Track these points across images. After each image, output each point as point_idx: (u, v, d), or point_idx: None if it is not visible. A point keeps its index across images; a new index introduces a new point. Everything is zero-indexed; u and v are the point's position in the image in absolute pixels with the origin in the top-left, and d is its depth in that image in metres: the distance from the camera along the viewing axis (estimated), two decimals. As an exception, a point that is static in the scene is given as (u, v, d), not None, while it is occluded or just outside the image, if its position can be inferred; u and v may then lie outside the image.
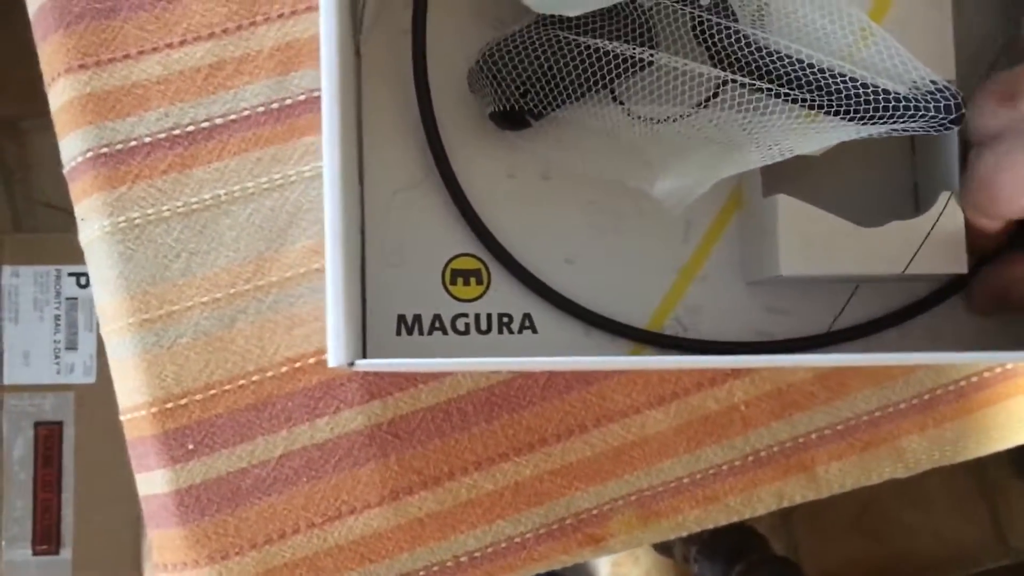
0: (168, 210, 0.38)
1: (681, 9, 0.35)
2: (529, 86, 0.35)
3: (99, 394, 0.95)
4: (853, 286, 0.38)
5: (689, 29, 0.35)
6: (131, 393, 0.38)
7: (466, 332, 0.37)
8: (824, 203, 0.36)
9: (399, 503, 0.38)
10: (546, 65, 0.35)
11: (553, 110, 0.36)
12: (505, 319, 0.38)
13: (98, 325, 0.95)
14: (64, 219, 1.18)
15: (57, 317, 0.95)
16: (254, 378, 0.38)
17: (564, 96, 0.36)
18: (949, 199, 0.36)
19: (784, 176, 0.37)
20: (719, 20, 0.34)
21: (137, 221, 0.38)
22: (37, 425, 0.94)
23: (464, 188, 0.37)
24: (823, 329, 0.38)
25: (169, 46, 0.39)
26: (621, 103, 0.36)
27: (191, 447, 0.38)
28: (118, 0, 0.39)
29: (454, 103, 0.38)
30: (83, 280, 0.95)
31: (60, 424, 0.94)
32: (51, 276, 0.94)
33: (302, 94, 0.39)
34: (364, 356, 0.36)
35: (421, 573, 0.39)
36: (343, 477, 0.38)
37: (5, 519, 0.94)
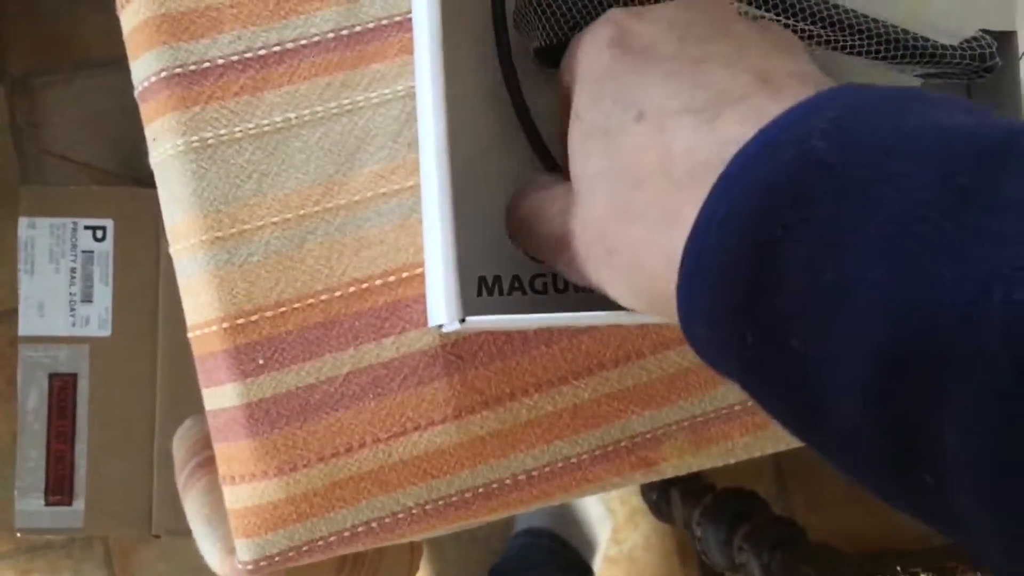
0: (240, 131, 0.39)
1: None
2: (580, 19, 0.36)
3: (114, 347, 0.95)
4: None
5: None
6: (201, 309, 0.39)
7: (544, 292, 0.38)
8: None
9: (462, 421, 0.39)
10: (600, 2, 0.36)
11: None
12: None
13: (114, 278, 0.95)
14: (76, 173, 1.18)
15: (73, 270, 0.95)
16: (323, 297, 0.39)
17: None
18: None
19: None
20: None
21: (210, 141, 0.39)
22: (51, 376, 0.95)
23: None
24: None
25: (242, -29, 0.40)
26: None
27: (261, 362, 0.38)
28: (193, -76, 0.40)
29: (523, 70, 0.38)
30: (99, 233, 0.95)
31: (74, 376, 0.95)
32: (67, 228, 0.94)
33: (371, 22, 0.40)
34: None
35: (480, 489, 0.40)
36: (408, 395, 0.39)
37: (19, 469, 0.94)
